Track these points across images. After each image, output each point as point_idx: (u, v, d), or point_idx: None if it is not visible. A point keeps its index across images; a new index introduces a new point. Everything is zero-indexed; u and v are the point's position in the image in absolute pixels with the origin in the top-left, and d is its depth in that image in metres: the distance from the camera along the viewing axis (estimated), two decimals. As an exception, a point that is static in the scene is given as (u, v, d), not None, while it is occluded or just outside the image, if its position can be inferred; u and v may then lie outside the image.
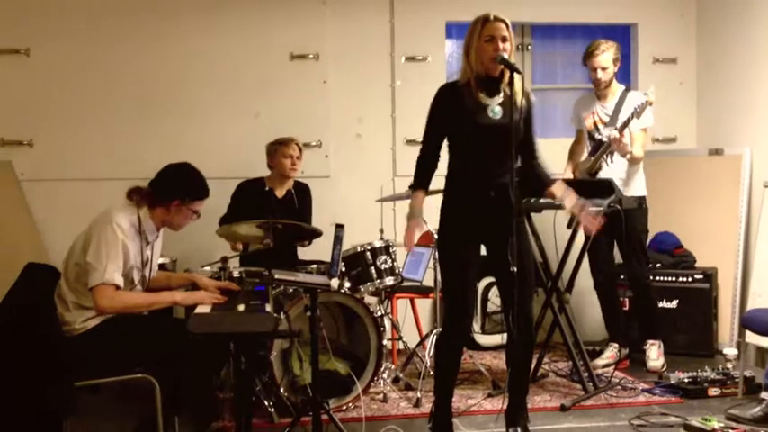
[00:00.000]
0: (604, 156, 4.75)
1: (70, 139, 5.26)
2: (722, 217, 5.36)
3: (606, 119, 4.83)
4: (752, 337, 4.40)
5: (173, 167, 3.50)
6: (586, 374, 4.39)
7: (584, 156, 4.97)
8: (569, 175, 4.94)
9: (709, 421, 3.47)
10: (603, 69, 4.78)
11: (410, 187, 3.57)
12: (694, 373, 4.37)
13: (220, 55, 5.42)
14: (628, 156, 4.70)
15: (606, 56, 4.76)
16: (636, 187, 4.81)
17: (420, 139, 5.31)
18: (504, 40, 3.33)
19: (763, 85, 5.17)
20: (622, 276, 5.06)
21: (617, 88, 4.87)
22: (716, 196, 5.41)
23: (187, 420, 3.43)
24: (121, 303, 3.24)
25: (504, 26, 3.35)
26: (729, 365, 4.47)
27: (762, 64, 5.18)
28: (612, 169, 4.75)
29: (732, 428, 3.39)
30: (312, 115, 5.51)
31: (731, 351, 4.58)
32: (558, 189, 3.54)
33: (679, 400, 4.22)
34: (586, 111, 4.95)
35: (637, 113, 4.56)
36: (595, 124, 4.88)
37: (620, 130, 4.62)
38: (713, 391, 4.25)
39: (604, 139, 4.71)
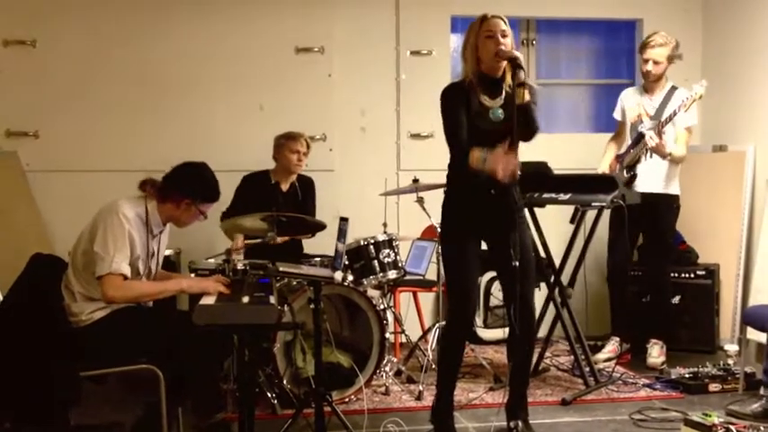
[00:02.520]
0: (643, 150, 4.74)
1: (75, 131, 5.29)
2: (725, 213, 5.37)
3: (652, 112, 4.83)
4: (753, 334, 4.41)
5: (190, 165, 3.50)
6: (587, 369, 4.41)
7: (624, 148, 4.97)
8: (605, 168, 4.93)
9: (710, 416, 3.47)
10: (656, 63, 4.77)
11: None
12: (695, 369, 4.40)
13: (226, 48, 5.43)
14: (668, 157, 4.70)
15: (662, 50, 4.76)
16: (672, 185, 4.84)
17: (425, 133, 5.32)
18: (504, 35, 3.34)
19: (767, 82, 5.16)
20: (632, 272, 5.07)
21: (666, 84, 4.88)
22: (719, 193, 5.42)
23: (191, 411, 3.46)
24: (130, 292, 3.26)
25: (502, 22, 3.37)
26: (730, 361, 4.49)
27: (766, 61, 5.18)
28: (651, 164, 4.76)
29: (732, 424, 3.39)
30: (317, 108, 5.52)
31: (732, 347, 4.60)
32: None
33: (680, 395, 4.24)
34: (632, 103, 4.95)
35: (684, 106, 4.55)
36: (640, 116, 4.88)
37: (664, 125, 4.63)
38: (714, 387, 4.27)
39: (645, 133, 4.70)
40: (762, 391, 3.68)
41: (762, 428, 3.35)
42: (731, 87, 5.57)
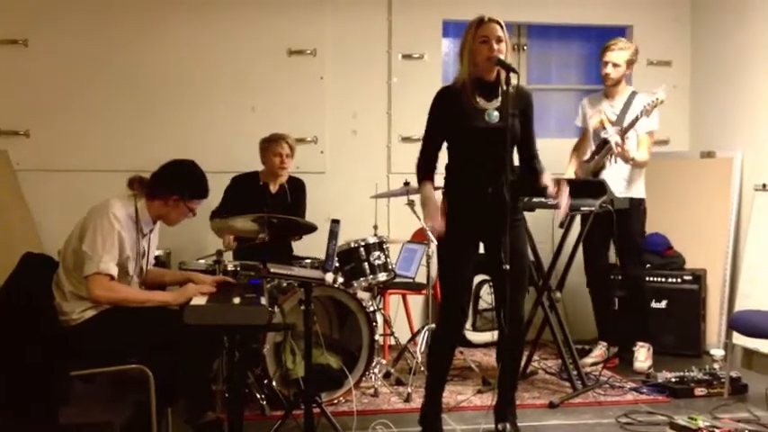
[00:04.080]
0: (608, 155, 4.78)
1: (66, 130, 5.28)
2: (712, 219, 5.41)
3: (614, 117, 4.87)
4: (739, 339, 4.45)
5: (178, 162, 3.51)
6: (575, 372, 4.44)
7: (588, 155, 5.00)
8: (571, 174, 4.98)
9: (695, 420, 3.51)
10: (615, 66, 4.82)
11: (413, 194, 3.65)
12: (681, 373, 4.43)
13: (218, 49, 5.44)
14: (631, 161, 4.74)
15: (621, 54, 4.81)
16: (637, 189, 4.86)
17: (416, 137, 5.36)
18: (498, 40, 3.37)
19: (755, 88, 5.22)
20: (612, 276, 5.11)
21: (625, 89, 4.92)
22: (707, 198, 5.47)
23: (180, 411, 3.46)
24: (116, 295, 3.27)
25: (498, 27, 3.39)
26: (716, 366, 4.53)
27: (754, 68, 5.24)
28: (616, 169, 4.79)
29: (717, 428, 3.43)
30: (308, 111, 5.54)
31: (718, 352, 4.64)
32: (548, 180, 3.56)
33: (666, 399, 4.28)
34: (593, 109, 4.99)
35: (646, 111, 4.60)
36: (602, 123, 4.92)
37: (626, 130, 4.67)
38: (699, 391, 4.31)
39: (609, 138, 4.75)
40: None
41: (747, 431, 3.38)
42: (719, 94, 5.63)
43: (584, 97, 5.19)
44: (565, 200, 3.56)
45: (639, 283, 4.94)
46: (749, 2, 5.30)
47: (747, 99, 5.32)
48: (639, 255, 4.95)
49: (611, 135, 4.72)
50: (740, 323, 4.17)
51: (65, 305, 3.26)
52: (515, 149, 3.52)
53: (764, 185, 4.90)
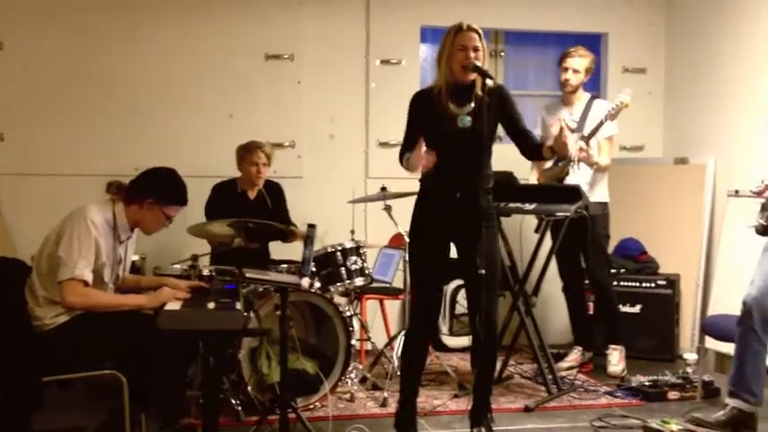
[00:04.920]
0: (572, 162, 4.83)
1: (42, 134, 5.24)
2: (686, 224, 5.48)
3: (573, 125, 4.90)
4: (711, 343, 4.49)
5: (158, 168, 3.52)
6: (550, 377, 4.47)
7: (550, 163, 5.04)
8: (534, 182, 5.02)
9: (668, 424, 3.55)
10: (575, 72, 4.86)
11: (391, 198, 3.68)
12: (655, 377, 4.47)
13: (194, 53, 5.42)
14: (594, 166, 4.78)
15: (582, 60, 4.85)
16: (600, 193, 4.89)
17: (393, 142, 5.40)
18: (475, 49, 3.40)
19: (728, 96, 5.29)
20: (587, 281, 5.15)
21: (584, 96, 4.96)
22: (680, 204, 5.53)
23: (154, 417, 3.44)
24: (89, 300, 3.25)
25: (476, 36, 3.42)
26: (689, 370, 4.57)
27: (727, 76, 5.31)
28: (579, 175, 4.84)
29: (690, 430, 3.47)
30: (286, 115, 5.53)
31: (691, 356, 4.69)
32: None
33: (639, 402, 4.31)
34: (552, 117, 5.02)
35: (611, 115, 4.63)
36: (562, 130, 4.94)
37: (590, 137, 4.70)
38: (673, 395, 4.35)
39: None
40: (726, 400, 3.74)
41: (718, 435, 3.43)
42: (693, 102, 5.70)
43: (543, 106, 5.21)
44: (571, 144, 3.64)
45: (606, 286, 4.96)
46: (723, 11, 5.37)
47: (720, 106, 5.39)
48: (606, 258, 4.98)
49: (574, 142, 4.74)
50: (713, 327, 4.21)
51: (38, 310, 3.24)
52: (493, 154, 3.56)
53: (737, 191, 4.95)
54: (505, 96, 3.56)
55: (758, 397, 3.63)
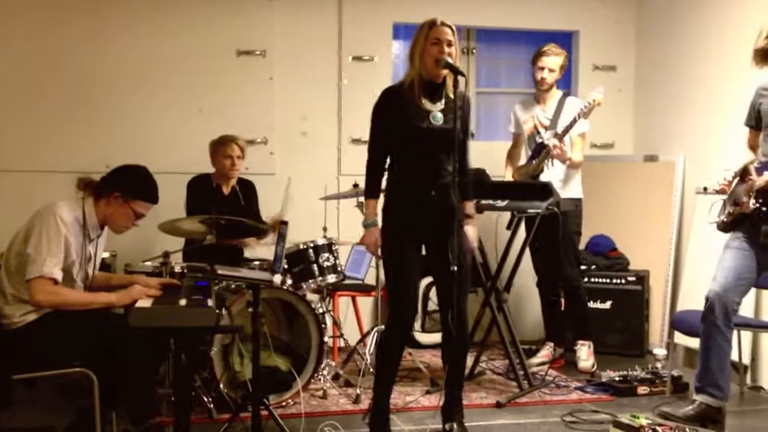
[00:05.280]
0: (546, 159, 4.85)
1: (10, 131, 5.17)
2: (655, 221, 5.54)
3: (547, 122, 4.94)
4: (680, 338, 4.56)
5: (127, 166, 3.49)
6: (522, 373, 4.50)
7: (523, 159, 5.08)
8: (509, 179, 5.05)
9: (638, 418, 3.58)
10: (551, 71, 4.89)
11: (363, 196, 3.70)
12: (625, 372, 4.52)
13: (165, 48, 5.39)
14: (567, 162, 4.82)
15: (557, 59, 4.88)
16: (573, 189, 4.93)
17: (365, 139, 5.38)
18: (449, 44, 3.41)
19: (697, 94, 5.36)
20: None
21: (556, 93, 5.00)
22: (650, 201, 5.59)
23: (124, 415, 3.41)
24: (57, 298, 3.21)
25: (449, 31, 3.43)
26: (659, 365, 4.63)
27: (697, 74, 5.38)
28: (552, 172, 4.87)
29: (659, 425, 3.50)
30: (258, 112, 5.51)
31: (661, 351, 4.75)
32: (468, 209, 3.61)
33: (609, 398, 4.36)
34: (526, 115, 5.06)
35: (584, 113, 4.66)
36: (536, 128, 4.99)
37: (564, 134, 4.73)
38: (642, 390, 4.40)
39: (546, 143, 4.83)
40: (693, 395, 3.79)
41: (687, 430, 3.46)
42: (663, 100, 5.76)
43: (516, 103, 5.23)
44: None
45: (575, 282, 5.00)
46: (693, 10, 5.44)
47: (689, 105, 5.45)
48: (575, 255, 5.03)
49: (549, 138, 4.78)
50: (681, 323, 4.26)
51: (6, 308, 3.20)
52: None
53: (705, 189, 5.02)
54: (467, 104, 3.57)
55: (724, 391, 3.68)
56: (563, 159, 4.78)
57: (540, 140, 4.90)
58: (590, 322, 5.03)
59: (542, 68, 4.89)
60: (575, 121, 4.69)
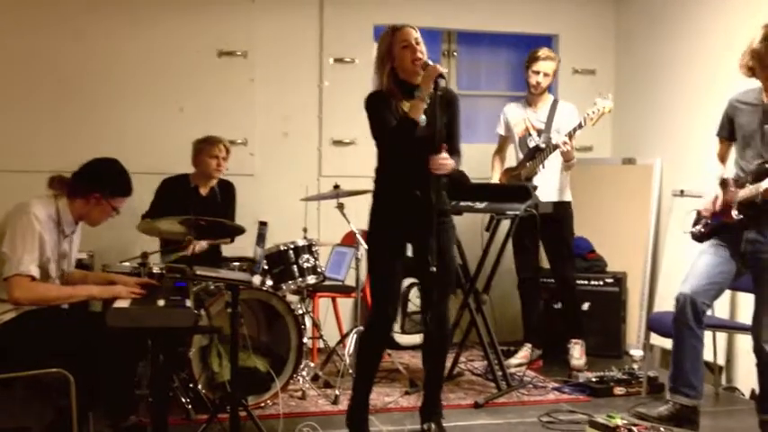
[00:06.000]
0: (542, 163, 4.87)
1: (-13, 130, 5.14)
2: (633, 223, 5.59)
3: (540, 125, 4.98)
4: (657, 339, 4.61)
5: (100, 161, 3.47)
6: (500, 373, 4.53)
7: (512, 162, 5.10)
8: (496, 181, 5.08)
9: (613, 418, 3.62)
10: (546, 75, 4.93)
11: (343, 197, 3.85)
12: (602, 373, 4.57)
13: (146, 48, 5.37)
14: (573, 161, 4.85)
15: (551, 63, 4.93)
16: (567, 194, 5.01)
17: (347, 140, 5.41)
18: (417, 42, 3.45)
19: (674, 98, 5.41)
20: (541, 279, 5.22)
21: (548, 98, 5.04)
22: (628, 204, 5.65)
23: (102, 416, 3.41)
24: (37, 295, 3.20)
25: (413, 30, 3.47)
26: (635, 366, 4.68)
27: (674, 79, 5.43)
28: (548, 176, 4.91)
29: (635, 425, 3.54)
30: (238, 113, 5.51)
31: (638, 352, 4.80)
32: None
33: (586, 398, 4.40)
34: (516, 117, 5.09)
35: (591, 120, 4.68)
36: (527, 131, 5.03)
37: (572, 135, 4.75)
38: (619, 391, 4.45)
39: (542, 146, 4.86)
40: (668, 396, 3.83)
41: (662, 430, 3.50)
42: (641, 103, 5.82)
43: (506, 105, 5.26)
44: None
45: (572, 283, 5.08)
46: (670, 14, 5.50)
47: (667, 108, 5.51)
48: (571, 256, 5.09)
49: (558, 137, 4.80)
50: (658, 324, 4.30)
51: (-18, 308, 3.18)
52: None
53: (682, 191, 5.08)
54: (453, 100, 3.59)
55: (698, 390, 3.72)
56: (569, 158, 4.81)
57: (535, 144, 4.94)
58: (583, 322, 5.09)
59: (537, 72, 4.93)
60: (581, 125, 4.71)
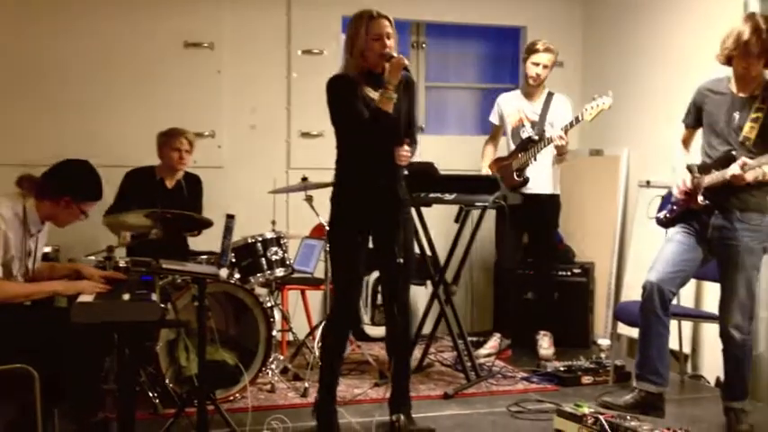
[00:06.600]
0: (535, 154, 4.89)
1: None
2: (600, 214, 5.64)
3: (534, 117, 5.00)
4: (624, 329, 4.66)
5: (71, 163, 3.42)
6: (469, 364, 4.55)
7: (503, 152, 5.12)
8: (487, 171, 5.09)
9: (581, 407, 3.65)
10: (545, 68, 4.95)
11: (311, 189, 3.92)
12: (570, 363, 4.61)
13: (111, 39, 5.30)
14: (566, 156, 4.87)
15: (551, 56, 4.96)
16: (558, 186, 5.07)
17: (315, 132, 5.38)
18: (389, 37, 3.43)
19: (641, 90, 5.45)
20: (518, 270, 5.25)
21: (544, 90, 5.06)
22: (595, 194, 5.69)
23: (67, 412, 3.37)
24: (1, 293, 3.15)
25: (388, 23, 3.45)
26: (603, 355, 4.73)
27: (641, 71, 5.48)
28: (541, 168, 4.95)
29: (601, 414, 3.57)
30: (205, 105, 5.46)
31: (605, 342, 4.85)
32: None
33: (554, 387, 4.43)
34: (511, 108, 5.11)
35: (590, 114, 4.69)
36: (521, 122, 5.05)
37: (568, 128, 4.77)
38: (586, 380, 4.49)
39: (534, 137, 4.89)
40: (634, 383, 3.87)
41: (628, 418, 3.53)
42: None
43: (501, 95, 5.29)
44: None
45: (551, 275, 5.14)
46: (638, 7, 5.54)
47: (633, 100, 5.54)
48: (555, 250, 5.18)
49: (553, 130, 4.81)
50: (624, 314, 4.35)
51: (-55, 305, 3.13)
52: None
53: (648, 182, 5.13)
54: (411, 86, 3.59)
55: (664, 377, 3.77)
56: (563, 152, 4.83)
57: (528, 135, 4.96)
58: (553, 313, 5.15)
59: (537, 65, 4.95)
60: (578, 120, 4.72)
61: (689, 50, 4.95)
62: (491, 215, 5.08)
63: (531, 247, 5.21)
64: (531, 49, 4.98)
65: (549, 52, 4.96)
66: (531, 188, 4.94)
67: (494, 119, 5.23)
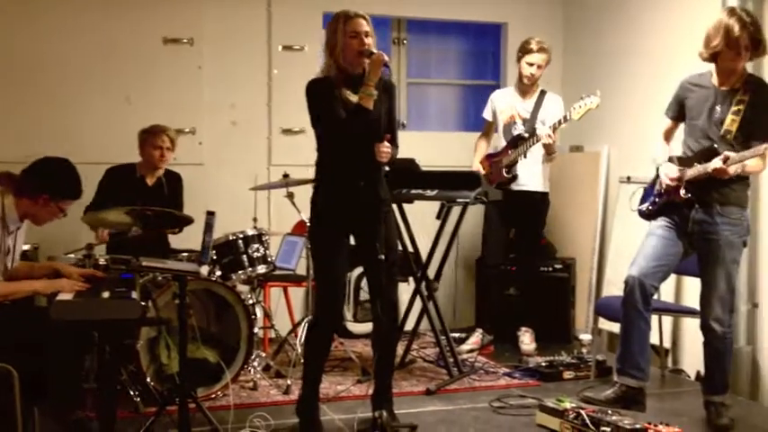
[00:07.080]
0: (525, 152, 4.89)
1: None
2: (581, 210, 5.67)
3: (526, 115, 5.02)
4: (605, 324, 4.68)
5: (50, 160, 3.39)
6: (452, 360, 4.56)
7: (497, 148, 5.13)
8: (477, 166, 5.09)
9: (563, 402, 3.67)
10: (539, 67, 4.96)
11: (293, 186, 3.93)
12: (551, 358, 4.63)
13: (90, 34, 5.25)
14: (555, 154, 4.89)
15: (545, 55, 4.97)
16: (547, 183, 5.08)
17: (296, 129, 5.36)
18: (367, 35, 3.42)
19: (621, 87, 5.47)
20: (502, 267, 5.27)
21: (537, 89, 5.07)
22: (576, 190, 5.72)
23: (47, 411, 3.33)
24: (-22, 292, 3.12)
25: (365, 22, 3.44)
26: (584, 350, 4.75)
27: (620, 68, 5.50)
28: (531, 165, 4.96)
29: (582, 408, 3.60)
30: (185, 101, 5.43)
31: (586, 337, 4.88)
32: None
33: (536, 383, 4.45)
34: (504, 105, 5.11)
35: (577, 112, 4.70)
36: (513, 119, 5.06)
37: (557, 127, 4.79)
38: (568, 375, 4.51)
39: (524, 135, 4.90)
40: (615, 378, 3.90)
41: (609, 412, 3.56)
42: (588, 91, 5.82)
43: (495, 91, 5.32)
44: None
45: (535, 270, 5.15)
46: (617, 5, 5.57)
47: (613, 97, 5.54)
48: (540, 245, 5.22)
49: (542, 129, 4.82)
50: (605, 309, 4.38)
51: None
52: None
53: (629, 178, 5.16)
54: (391, 89, 3.59)
55: (645, 372, 3.79)
56: (552, 151, 4.85)
57: (518, 132, 4.96)
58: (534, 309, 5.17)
59: (531, 64, 4.97)
60: (566, 119, 4.73)
61: (668, 48, 4.99)
62: (476, 211, 5.10)
63: (516, 244, 5.22)
64: (526, 49, 4.99)
65: (543, 52, 4.98)
66: (522, 185, 4.96)
67: (487, 115, 5.25)
